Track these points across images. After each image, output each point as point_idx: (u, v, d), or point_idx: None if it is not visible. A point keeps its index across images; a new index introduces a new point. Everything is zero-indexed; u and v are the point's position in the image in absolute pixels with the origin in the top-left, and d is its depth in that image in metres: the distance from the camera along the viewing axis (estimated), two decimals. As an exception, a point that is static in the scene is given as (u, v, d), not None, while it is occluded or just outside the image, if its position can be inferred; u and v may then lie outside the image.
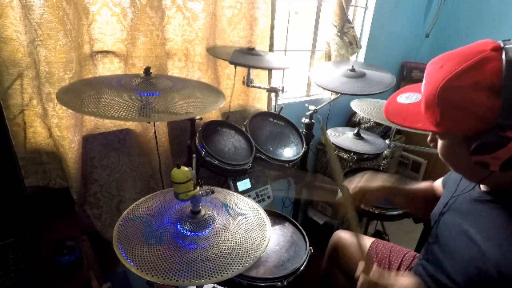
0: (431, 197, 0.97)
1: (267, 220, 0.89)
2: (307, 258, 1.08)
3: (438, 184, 0.98)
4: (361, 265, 0.79)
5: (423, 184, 1.02)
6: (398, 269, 1.03)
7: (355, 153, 1.63)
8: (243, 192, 1.40)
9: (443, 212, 0.77)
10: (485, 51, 0.54)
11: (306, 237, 1.17)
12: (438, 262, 0.75)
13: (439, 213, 0.79)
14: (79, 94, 0.87)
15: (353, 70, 1.53)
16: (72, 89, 0.90)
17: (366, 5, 2.22)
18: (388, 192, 0.97)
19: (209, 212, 0.86)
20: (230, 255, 0.74)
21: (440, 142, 0.67)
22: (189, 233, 0.79)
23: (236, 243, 0.78)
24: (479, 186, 0.70)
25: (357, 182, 1.00)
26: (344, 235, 1.21)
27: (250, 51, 1.33)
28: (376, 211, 1.34)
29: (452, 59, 0.57)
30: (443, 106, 0.57)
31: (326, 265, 1.27)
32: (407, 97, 0.70)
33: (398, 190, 0.98)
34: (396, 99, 0.72)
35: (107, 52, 1.16)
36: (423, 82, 0.63)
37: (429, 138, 0.71)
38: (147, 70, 0.97)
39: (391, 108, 0.71)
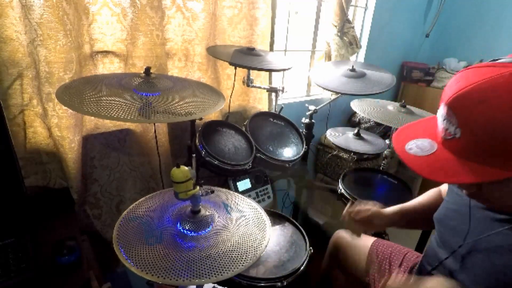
0: (440, 204, 0.95)
1: (267, 220, 0.88)
2: (307, 258, 1.08)
3: (446, 186, 0.94)
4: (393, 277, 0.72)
5: (429, 194, 0.97)
6: (400, 267, 1.03)
7: (355, 153, 1.63)
8: (243, 192, 1.40)
9: (467, 245, 0.70)
10: None
11: (306, 237, 1.17)
12: (452, 273, 0.72)
13: (462, 243, 0.72)
14: (79, 93, 0.87)
15: (353, 70, 1.53)
16: (71, 88, 0.90)
17: (366, 5, 2.22)
18: (398, 217, 0.94)
19: (209, 212, 0.86)
20: (230, 254, 0.74)
21: (489, 186, 0.55)
22: (189, 232, 0.79)
23: (236, 242, 0.78)
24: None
25: (365, 206, 0.96)
26: (345, 235, 1.21)
27: (250, 51, 1.33)
28: (376, 211, 1.33)
29: (493, 90, 0.47)
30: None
31: (326, 265, 1.27)
32: (419, 147, 0.58)
33: (405, 210, 0.95)
34: (406, 152, 0.59)
35: (107, 52, 1.16)
36: (456, 123, 0.51)
37: (466, 191, 0.59)
38: (147, 70, 0.97)
39: (413, 163, 0.57)
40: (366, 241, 1.15)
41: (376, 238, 1.17)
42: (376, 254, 1.09)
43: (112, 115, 0.78)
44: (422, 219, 0.96)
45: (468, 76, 0.51)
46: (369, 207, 0.96)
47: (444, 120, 0.53)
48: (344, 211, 0.98)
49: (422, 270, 0.86)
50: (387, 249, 1.10)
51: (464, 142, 0.51)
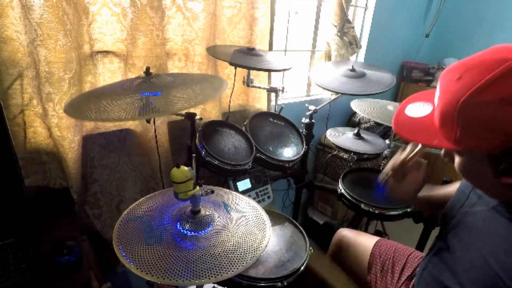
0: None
1: (267, 220, 0.89)
2: (307, 258, 1.08)
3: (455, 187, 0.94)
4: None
5: (451, 188, 0.95)
6: (402, 270, 1.02)
7: (355, 153, 1.63)
8: (243, 192, 1.40)
9: (456, 218, 0.73)
10: (508, 60, 0.48)
11: (306, 237, 1.17)
12: (450, 269, 0.72)
13: (452, 216, 0.75)
14: (84, 105, 0.87)
15: (353, 70, 1.53)
16: (76, 103, 0.91)
17: (366, 5, 2.22)
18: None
19: (209, 212, 0.86)
20: (230, 255, 0.74)
21: (458, 158, 0.62)
22: (189, 233, 0.79)
23: (236, 243, 0.78)
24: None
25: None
26: (347, 233, 1.20)
27: (250, 51, 1.33)
28: (376, 211, 1.33)
29: (471, 70, 0.52)
30: (464, 123, 0.52)
31: (328, 262, 1.26)
32: (417, 108, 0.64)
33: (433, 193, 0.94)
34: (404, 111, 0.66)
35: (107, 52, 1.16)
36: (437, 94, 0.58)
37: (443, 152, 0.66)
38: (147, 70, 0.97)
39: (401, 122, 0.65)
40: (369, 241, 1.14)
41: (379, 238, 1.16)
42: (379, 254, 1.09)
43: (113, 116, 0.78)
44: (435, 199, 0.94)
45: (477, 54, 0.54)
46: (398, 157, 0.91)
47: (438, 87, 0.59)
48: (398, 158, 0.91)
49: (424, 264, 0.85)
50: (390, 249, 1.09)
51: (437, 110, 0.57)
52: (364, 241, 1.14)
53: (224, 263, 0.71)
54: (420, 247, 1.54)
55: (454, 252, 0.71)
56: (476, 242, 0.65)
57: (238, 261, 0.72)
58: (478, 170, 0.59)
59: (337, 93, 1.53)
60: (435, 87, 0.60)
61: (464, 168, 0.62)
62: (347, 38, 1.96)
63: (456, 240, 0.71)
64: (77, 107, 0.86)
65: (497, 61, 0.49)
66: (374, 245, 1.12)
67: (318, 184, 2.00)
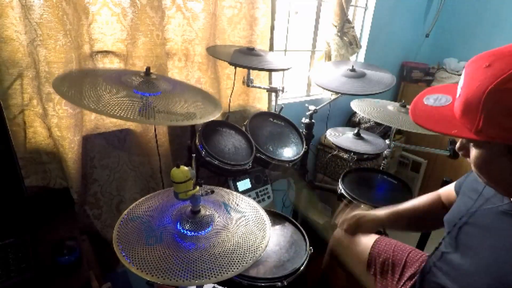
0: (438, 210, 0.93)
1: (267, 220, 0.88)
2: (307, 258, 1.08)
3: (448, 190, 0.94)
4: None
5: (425, 199, 0.97)
6: (403, 270, 1.01)
7: (355, 153, 1.63)
8: (243, 192, 1.40)
9: (464, 222, 0.72)
10: None
11: (306, 237, 1.17)
12: (456, 273, 0.71)
13: (457, 222, 0.74)
14: (78, 85, 0.86)
15: (353, 70, 1.53)
16: (70, 79, 0.89)
17: (366, 5, 2.22)
18: (387, 219, 0.95)
19: (209, 212, 0.86)
20: (230, 255, 0.74)
21: (475, 151, 0.59)
22: (189, 233, 0.79)
23: (236, 243, 0.78)
24: (509, 198, 0.64)
25: (351, 213, 0.98)
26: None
27: (250, 51, 1.33)
28: (376, 211, 1.33)
29: (502, 58, 0.50)
30: (490, 111, 0.50)
31: (327, 262, 1.25)
32: (436, 99, 0.62)
33: (398, 213, 0.95)
34: (422, 100, 0.64)
35: (107, 52, 1.16)
36: (461, 83, 0.56)
37: (458, 145, 0.63)
38: (147, 70, 0.97)
39: (419, 111, 0.63)
40: (368, 239, 1.13)
41: (378, 236, 1.14)
42: (378, 253, 1.08)
43: (113, 113, 0.78)
44: (416, 223, 0.96)
45: (505, 46, 0.53)
46: (355, 213, 0.96)
47: (462, 76, 0.57)
48: (333, 218, 0.98)
49: (427, 269, 0.85)
50: (390, 248, 1.07)
51: (461, 99, 0.55)
52: (362, 240, 1.13)
53: (224, 263, 0.71)
54: (420, 247, 1.54)
55: (461, 256, 0.71)
56: (484, 245, 0.64)
57: (238, 261, 0.72)
58: (496, 164, 0.57)
59: (337, 93, 1.53)
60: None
61: (481, 162, 0.59)
62: (347, 38, 1.96)
63: (462, 244, 0.70)
64: (73, 88, 0.84)
65: None
66: (373, 244, 1.11)
67: (318, 184, 2.00)
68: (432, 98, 0.63)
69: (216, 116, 1.00)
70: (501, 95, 0.49)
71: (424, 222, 0.94)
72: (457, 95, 0.57)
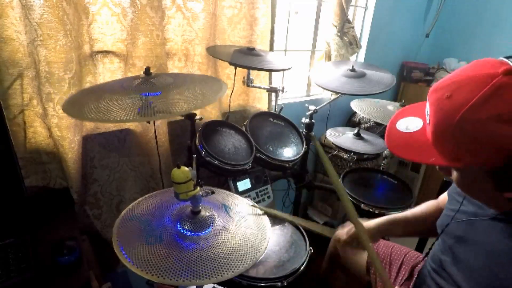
0: (436, 216, 0.93)
1: (267, 220, 0.88)
2: (307, 258, 1.08)
3: (444, 197, 0.95)
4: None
5: (424, 207, 0.98)
6: (399, 269, 1.03)
7: (355, 153, 1.63)
8: (243, 192, 1.40)
9: (451, 225, 0.74)
10: (496, 75, 0.48)
11: (306, 237, 1.17)
12: (450, 275, 0.72)
13: (448, 223, 0.75)
14: (83, 103, 0.87)
15: (353, 70, 1.53)
16: (75, 100, 0.91)
17: (366, 5, 2.22)
18: (386, 227, 0.96)
19: (209, 213, 0.86)
20: (230, 255, 0.74)
21: (455, 174, 0.61)
22: (189, 233, 0.79)
23: (236, 243, 0.78)
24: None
25: (344, 230, 0.99)
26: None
27: (250, 51, 1.33)
28: (376, 211, 1.34)
29: (461, 87, 0.51)
30: (462, 140, 0.51)
31: (327, 263, 1.26)
32: (408, 125, 0.63)
33: (396, 220, 0.96)
34: (396, 127, 0.65)
35: (107, 52, 1.16)
36: (428, 111, 0.57)
37: (438, 167, 0.64)
38: (147, 70, 0.97)
39: (395, 138, 0.64)
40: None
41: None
42: (376, 254, 1.09)
43: (112, 117, 0.78)
44: (414, 230, 0.97)
45: (462, 69, 0.55)
46: (347, 229, 0.97)
47: (428, 104, 0.58)
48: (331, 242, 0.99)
49: (424, 272, 0.85)
50: (388, 249, 1.09)
51: (431, 128, 0.56)
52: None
53: (225, 263, 0.71)
54: (419, 248, 1.54)
55: (455, 263, 0.71)
56: (479, 252, 0.65)
57: (238, 262, 0.72)
58: (477, 185, 0.58)
59: (337, 93, 1.53)
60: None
61: (463, 184, 0.61)
62: (347, 38, 1.96)
63: (457, 251, 0.71)
64: (77, 106, 0.85)
65: (485, 77, 0.49)
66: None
67: (318, 184, 2.00)
68: (403, 124, 0.64)
69: (222, 95, 0.99)
70: (470, 125, 0.50)
71: (424, 228, 0.95)
72: (427, 121, 0.58)
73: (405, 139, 0.62)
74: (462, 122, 0.50)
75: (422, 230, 0.96)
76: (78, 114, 0.82)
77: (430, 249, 0.83)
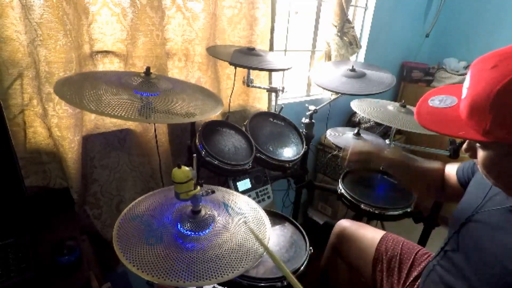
0: (438, 182, 0.93)
1: (267, 220, 0.88)
2: (307, 258, 1.08)
3: (450, 171, 0.93)
4: None
5: (433, 166, 0.96)
6: (410, 269, 0.99)
7: (355, 153, 1.62)
8: (243, 192, 1.40)
9: (470, 220, 0.72)
10: None
11: (306, 237, 1.17)
12: (459, 272, 0.71)
13: (464, 220, 0.74)
14: (79, 89, 0.86)
15: (353, 70, 1.53)
16: (71, 83, 0.89)
17: (366, 5, 2.22)
18: (395, 162, 0.94)
19: (209, 212, 0.86)
20: (230, 255, 0.74)
21: (482, 153, 0.59)
22: (190, 233, 0.79)
23: (236, 243, 0.78)
24: None
25: (366, 146, 0.98)
26: (349, 225, 1.17)
27: (250, 51, 1.33)
28: (376, 211, 1.33)
29: (508, 58, 0.50)
30: (498, 113, 0.50)
31: (328, 256, 1.22)
32: (441, 100, 0.62)
33: (406, 164, 0.95)
34: (427, 102, 0.64)
35: (107, 52, 1.16)
36: (467, 84, 0.56)
37: (465, 146, 0.64)
38: (147, 70, 0.97)
39: (424, 113, 0.63)
40: (374, 234, 1.10)
41: (385, 232, 1.12)
42: (385, 250, 1.05)
43: (113, 113, 0.78)
44: (420, 182, 0.96)
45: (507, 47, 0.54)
46: (371, 148, 0.97)
47: (468, 77, 0.57)
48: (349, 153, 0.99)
49: (430, 266, 0.84)
50: (397, 245, 1.05)
51: (467, 101, 0.55)
52: (369, 235, 1.10)
53: (225, 264, 0.71)
54: (421, 243, 1.54)
55: (466, 254, 0.70)
56: (491, 244, 0.64)
57: (239, 262, 0.72)
58: (504, 165, 0.57)
59: (337, 93, 1.53)
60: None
61: (489, 163, 0.59)
62: (347, 38, 1.96)
63: (468, 242, 0.70)
64: (73, 92, 0.84)
65: None
66: (380, 239, 1.07)
67: (318, 184, 2.00)
68: (437, 100, 0.63)
69: (217, 113, 0.99)
70: (509, 96, 0.49)
71: (423, 185, 0.95)
72: (463, 96, 0.57)
73: (435, 113, 0.61)
74: (502, 92, 0.49)
75: (421, 188, 0.97)
76: (75, 102, 0.80)
77: (441, 248, 0.82)
